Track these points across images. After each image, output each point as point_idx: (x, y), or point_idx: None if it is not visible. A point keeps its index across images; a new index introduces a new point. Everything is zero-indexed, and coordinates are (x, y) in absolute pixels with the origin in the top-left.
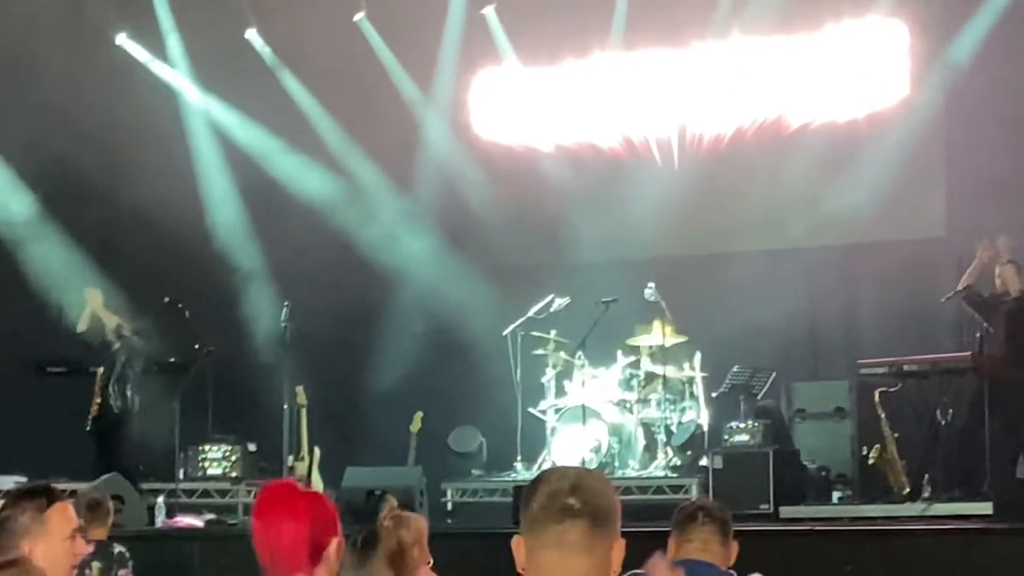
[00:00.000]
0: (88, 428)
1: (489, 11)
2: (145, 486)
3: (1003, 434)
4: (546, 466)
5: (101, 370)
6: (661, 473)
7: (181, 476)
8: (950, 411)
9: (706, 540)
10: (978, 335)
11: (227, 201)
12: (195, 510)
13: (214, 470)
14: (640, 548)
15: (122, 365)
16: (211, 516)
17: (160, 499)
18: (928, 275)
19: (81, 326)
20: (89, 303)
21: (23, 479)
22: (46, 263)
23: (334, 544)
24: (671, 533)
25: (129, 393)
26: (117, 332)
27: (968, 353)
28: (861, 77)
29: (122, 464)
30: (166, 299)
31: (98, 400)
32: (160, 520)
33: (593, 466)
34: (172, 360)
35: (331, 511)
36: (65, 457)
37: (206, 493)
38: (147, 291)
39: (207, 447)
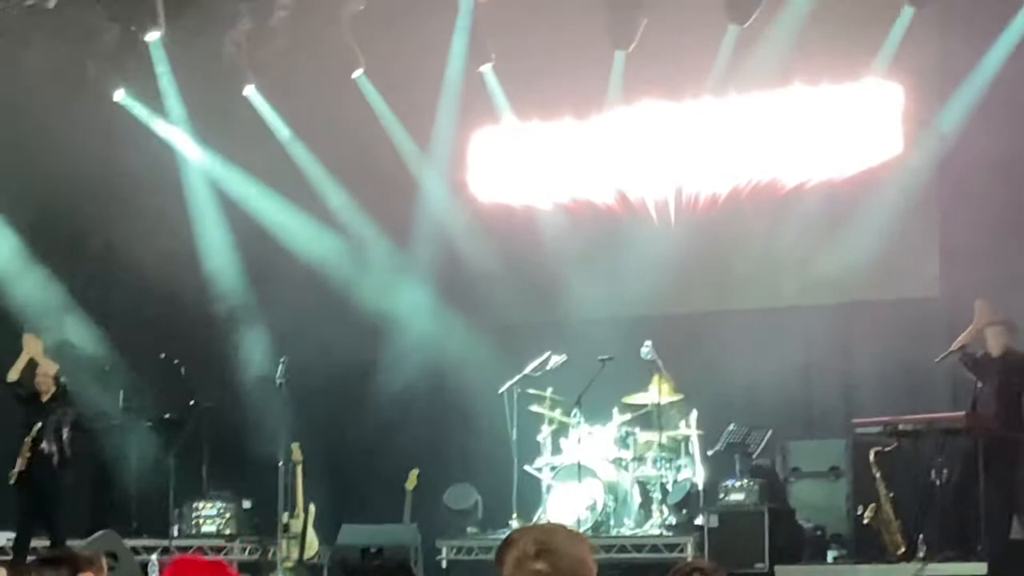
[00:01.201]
0: (12, 482)
1: (487, 69)
2: (139, 543)
3: (997, 494)
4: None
5: (39, 425)
6: (656, 531)
7: (175, 533)
8: (945, 471)
9: None
10: (972, 395)
11: (224, 256)
12: None
13: (209, 527)
14: None
15: (58, 418)
16: None
17: (154, 556)
18: (922, 335)
19: (12, 375)
20: (27, 350)
21: (11, 535)
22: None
23: None
24: None
25: (66, 448)
26: (55, 381)
27: (962, 413)
28: (857, 137)
29: (47, 522)
30: (162, 355)
31: (28, 455)
32: None
33: (588, 524)
34: (167, 416)
35: None
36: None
37: (200, 550)
38: (143, 347)
39: (202, 504)
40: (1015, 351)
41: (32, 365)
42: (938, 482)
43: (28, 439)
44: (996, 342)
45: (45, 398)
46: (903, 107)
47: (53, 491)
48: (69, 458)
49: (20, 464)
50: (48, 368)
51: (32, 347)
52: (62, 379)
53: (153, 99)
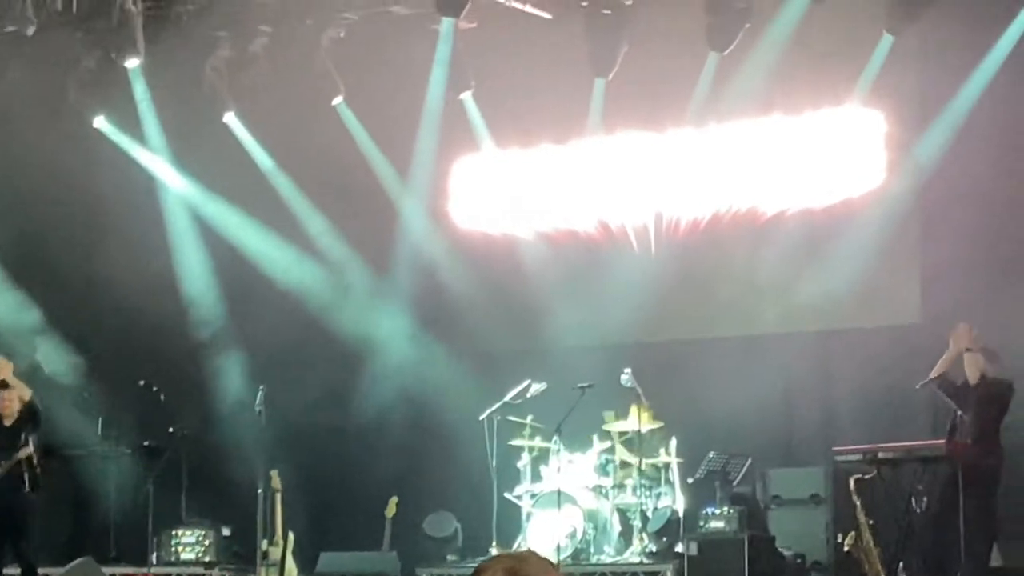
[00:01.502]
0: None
1: (467, 97)
2: (118, 571)
3: (976, 522)
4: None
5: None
6: (637, 559)
7: (154, 560)
8: (924, 499)
9: None
10: (951, 422)
11: (204, 282)
12: None
13: (187, 554)
14: None
15: (22, 443)
16: None
17: None
18: (903, 362)
19: None
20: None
21: None
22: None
23: None
24: None
25: (36, 474)
26: (25, 406)
27: (942, 441)
28: (837, 165)
29: (15, 549)
30: (141, 382)
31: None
32: None
33: (568, 552)
34: (146, 443)
35: None
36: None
37: None
38: (122, 373)
39: (180, 531)
40: (992, 378)
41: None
42: (918, 510)
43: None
44: (972, 369)
45: (8, 422)
46: (884, 135)
47: (22, 517)
48: (39, 484)
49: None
50: (17, 392)
51: (1, 370)
52: (35, 404)
53: (133, 125)
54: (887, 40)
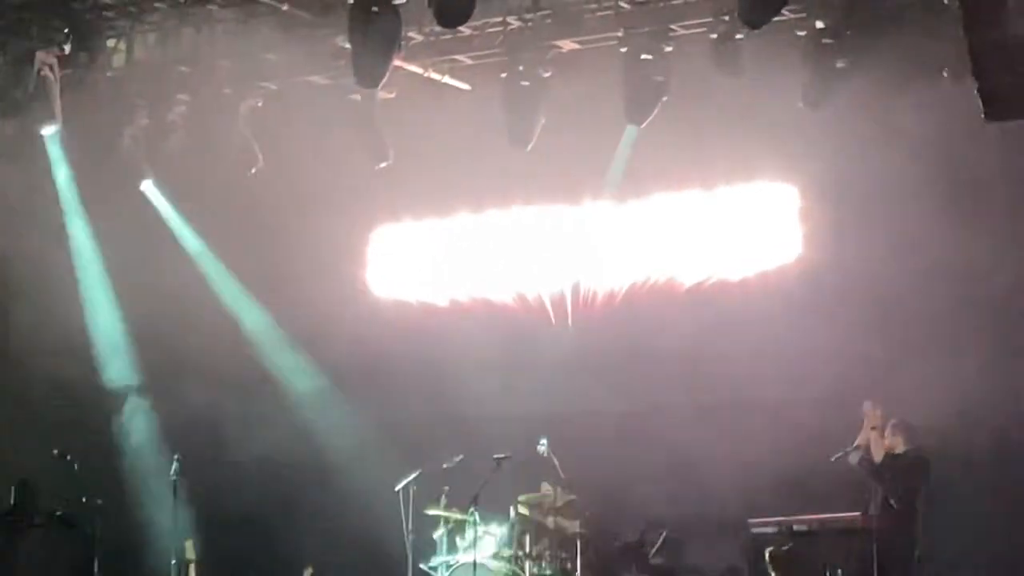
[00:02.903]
0: None
1: (385, 167)
2: None
3: None
4: None
5: None
6: None
7: None
8: (839, 571)
9: None
10: (867, 495)
11: (118, 347)
12: None
13: None
14: None
15: None
16: None
17: None
18: (820, 434)
19: None
20: None
21: None
22: None
23: None
24: None
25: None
26: None
27: (857, 513)
28: (753, 237)
29: None
30: (55, 451)
31: None
32: None
33: None
34: (59, 514)
35: None
36: None
37: None
38: (34, 441)
39: None
40: (906, 451)
41: None
42: None
43: None
44: (876, 448)
45: None
46: (799, 208)
47: None
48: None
49: None
50: None
51: None
52: None
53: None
54: (803, 113)
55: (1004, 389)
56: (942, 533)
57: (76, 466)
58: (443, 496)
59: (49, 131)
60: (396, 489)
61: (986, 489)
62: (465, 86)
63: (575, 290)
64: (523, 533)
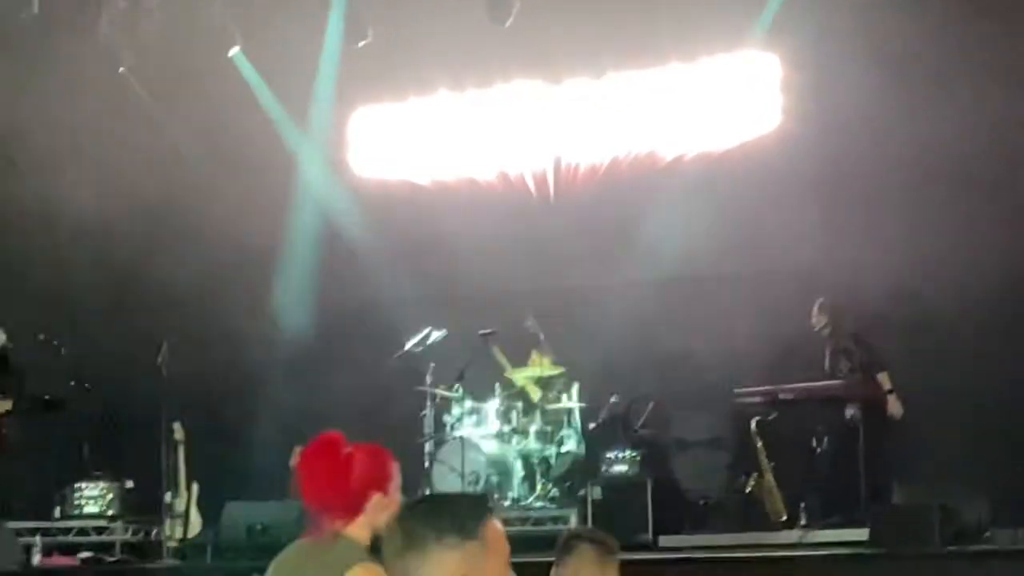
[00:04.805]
0: None
1: (364, 45)
2: (20, 524)
3: (877, 461)
4: None
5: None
6: (540, 504)
7: (57, 514)
8: (825, 439)
9: (590, 566)
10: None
11: (106, 231)
12: (72, 548)
13: (91, 508)
14: None
15: None
16: (88, 554)
17: (36, 538)
18: (803, 305)
19: None
20: None
21: None
22: None
23: (375, 498)
24: (555, 562)
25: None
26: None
27: (841, 381)
28: (735, 109)
29: None
30: (40, 336)
31: None
32: (36, 559)
33: None
34: (47, 397)
35: (380, 467)
36: None
37: (83, 531)
38: (25, 324)
39: (83, 485)
40: (830, 332)
41: None
42: (819, 450)
43: None
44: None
45: None
46: (781, 78)
47: None
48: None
49: None
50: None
51: None
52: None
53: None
54: None
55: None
56: (924, 398)
57: (63, 350)
58: (428, 373)
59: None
60: (383, 365)
61: (969, 348)
62: None
63: (557, 166)
64: (510, 409)
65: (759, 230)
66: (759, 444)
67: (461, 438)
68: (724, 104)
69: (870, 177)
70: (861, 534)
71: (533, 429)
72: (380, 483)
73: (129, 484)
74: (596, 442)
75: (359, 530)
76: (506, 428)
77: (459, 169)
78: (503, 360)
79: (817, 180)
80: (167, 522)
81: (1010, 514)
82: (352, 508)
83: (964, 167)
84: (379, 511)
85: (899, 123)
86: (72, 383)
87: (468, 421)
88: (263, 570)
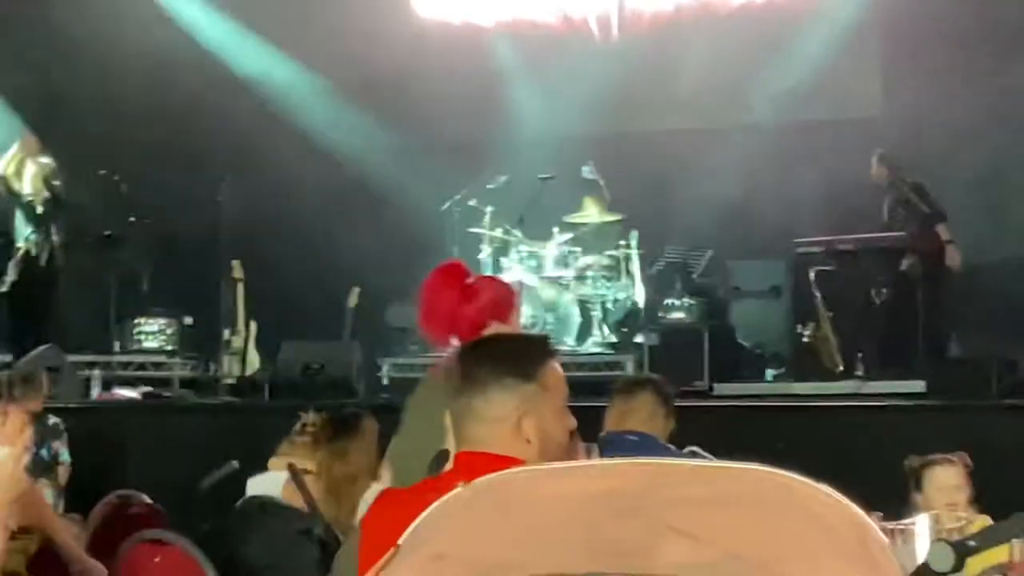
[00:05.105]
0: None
1: None
2: (79, 358)
3: (934, 313)
4: None
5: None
6: (596, 349)
7: (116, 349)
8: (884, 290)
9: (651, 412)
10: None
11: (166, 69)
12: (130, 383)
13: (150, 343)
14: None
15: (47, 227)
16: (147, 389)
17: (95, 371)
18: (865, 154)
19: (5, 168)
20: (20, 149)
21: None
22: None
23: (494, 325)
24: (613, 404)
25: (53, 257)
26: (46, 183)
27: (903, 233)
28: None
29: (47, 333)
30: (101, 172)
31: (19, 262)
32: (95, 393)
33: None
34: (107, 233)
35: (501, 296)
36: None
37: (141, 366)
38: (84, 161)
39: (143, 320)
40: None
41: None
42: (877, 301)
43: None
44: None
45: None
46: None
47: (45, 302)
48: (56, 270)
49: (11, 275)
50: (39, 169)
51: (28, 147)
52: (53, 185)
53: None
54: None
55: None
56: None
57: (123, 187)
58: (487, 216)
59: None
60: (441, 209)
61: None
62: None
63: (621, 8)
64: (568, 254)
65: (820, 78)
66: (817, 294)
67: (519, 282)
68: None
69: (932, 25)
70: (918, 386)
71: (591, 275)
72: (501, 312)
73: (188, 320)
74: (653, 289)
75: None
76: (564, 273)
77: (521, 10)
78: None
79: (878, 28)
80: (225, 359)
81: None
82: (471, 335)
83: None
84: None
85: None
86: (131, 219)
87: (526, 265)
88: (318, 409)
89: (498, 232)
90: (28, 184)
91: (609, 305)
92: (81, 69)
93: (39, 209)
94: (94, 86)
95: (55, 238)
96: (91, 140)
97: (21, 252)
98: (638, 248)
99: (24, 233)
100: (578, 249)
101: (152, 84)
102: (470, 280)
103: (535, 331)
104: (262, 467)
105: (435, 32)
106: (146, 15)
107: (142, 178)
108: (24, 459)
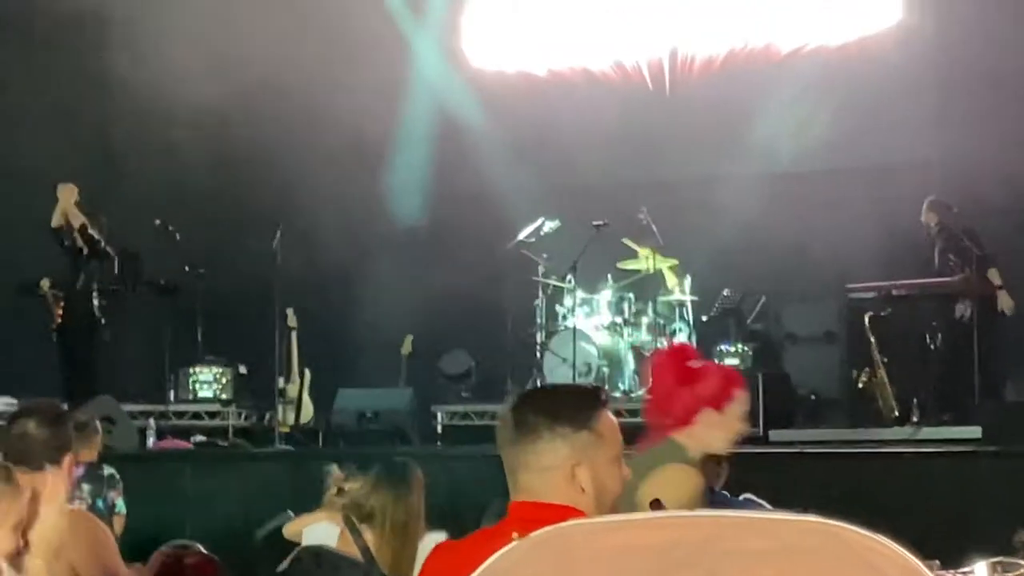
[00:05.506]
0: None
1: None
2: (135, 408)
3: (990, 357)
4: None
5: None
6: None
7: (171, 398)
8: (939, 335)
9: (703, 460)
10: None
11: (222, 118)
12: (185, 432)
13: (204, 392)
14: None
15: (90, 273)
16: (201, 438)
17: (150, 421)
18: (919, 200)
19: (55, 221)
20: (62, 200)
21: (12, 400)
22: None
23: (706, 412)
24: None
25: (96, 304)
26: (83, 234)
27: (956, 277)
28: (855, 2)
29: (102, 383)
30: (157, 221)
31: (59, 309)
32: (151, 442)
33: None
34: (162, 282)
35: (722, 385)
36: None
37: (196, 415)
38: (142, 213)
39: (197, 369)
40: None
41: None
42: (932, 346)
43: (52, 293)
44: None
45: (84, 251)
46: None
47: (90, 348)
48: (98, 317)
49: (57, 319)
50: (75, 219)
51: (66, 197)
52: (93, 231)
53: None
54: None
55: None
56: None
57: (177, 236)
58: (541, 264)
59: None
60: (495, 255)
61: None
62: None
63: (673, 57)
64: (622, 300)
65: (874, 124)
66: (872, 339)
67: (573, 328)
68: None
69: (987, 72)
70: (974, 431)
71: (645, 321)
72: (717, 400)
73: (242, 369)
74: (707, 335)
75: (687, 439)
76: (618, 319)
77: (575, 59)
78: (634, 246)
79: (934, 75)
80: (279, 408)
81: None
82: (682, 417)
83: None
84: (710, 428)
85: (1018, 18)
86: (187, 268)
87: (580, 312)
88: (369, 457)
89: (553, 279)
90: (78, 234)
91: None
92: (138, 120)
93: (90, 258)
94: (150, 137)
95: (110, 287)
96: (147, 188)
97: (75, 301)
98: (692, 293)
99: (78, 283)
100: (631, 295)
101: (208, 135)
102: (693, 363)
103: (590, 378)
104: None
105: (488, 79)
106: (202, 67)
107: (196, 227)
108: (65, 512)
